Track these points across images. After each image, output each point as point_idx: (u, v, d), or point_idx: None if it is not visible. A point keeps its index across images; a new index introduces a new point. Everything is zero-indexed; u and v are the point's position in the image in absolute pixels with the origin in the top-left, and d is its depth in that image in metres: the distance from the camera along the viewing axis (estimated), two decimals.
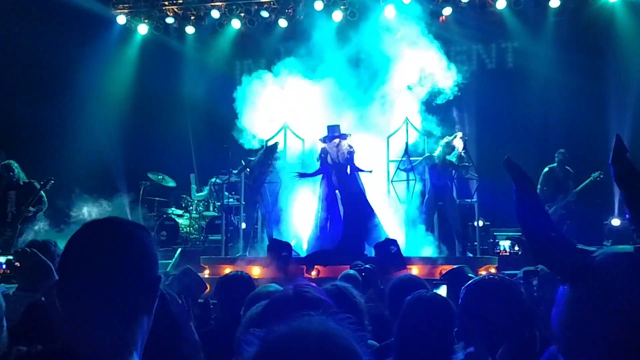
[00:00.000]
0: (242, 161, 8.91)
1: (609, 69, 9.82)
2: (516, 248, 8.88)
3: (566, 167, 9.14)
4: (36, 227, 7.48)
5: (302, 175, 8.42)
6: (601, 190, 8.97)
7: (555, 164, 9.18)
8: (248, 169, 8.75)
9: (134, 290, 1.18)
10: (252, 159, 8.76)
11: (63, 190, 8.28)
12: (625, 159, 1.05)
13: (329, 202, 8.22)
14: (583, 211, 9.08)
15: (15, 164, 7.63)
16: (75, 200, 8.14)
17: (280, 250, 7.39)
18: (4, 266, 5.16)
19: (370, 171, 8.24)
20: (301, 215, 8.74)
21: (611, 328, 0.89)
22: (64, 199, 8.21)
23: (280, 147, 8.77)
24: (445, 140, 8.30)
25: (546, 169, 9.19)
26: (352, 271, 4.34)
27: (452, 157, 8.29)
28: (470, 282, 1.90)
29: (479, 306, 1.76)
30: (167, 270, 7.61)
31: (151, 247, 1.24)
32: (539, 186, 9.26)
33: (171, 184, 10.89)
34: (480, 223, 8.85)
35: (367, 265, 5.02)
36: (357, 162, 8.25)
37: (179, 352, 1.72)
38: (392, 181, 8.62)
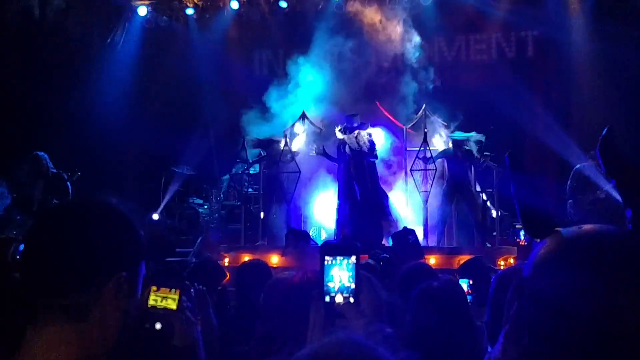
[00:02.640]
0: (261, 152, 8.97)
1: (635, 61, 9.57)
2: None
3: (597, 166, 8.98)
4: None
5: (325, 154, 8.43)
6: None
7: (586, 163, 9.06)
8: (265, 159, 8.82)
9: (81, 279, 1.05)
10: (269, 148, 8.81)
11: (87, 181, 8.43)
12: (614, 149, 1.03)
13: (347, 193, 8.26)
14: (612, 207, 8.92)
15: (45, 156, 7.81)
16: (98, 191, 8.28)
17: (298, 239, 7.45)
18: None
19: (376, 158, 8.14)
20: (320, 205, 8.79)
21: (568, 299, 0.84)
22: (87, 191, 8.38)
23: (296, 136, 8.81)
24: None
25: (577, 167, 9.08)
26: (370, 261, 4.38)
27: (473, 149, 8.26)
28: (502, 271, 1.91)
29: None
30: (188, 258, 7.73)
31: (117, 237, 1.10)
32: (569, 182, 9.16)
33: (191, 172, 10.99)
34: (499, 213, 8.80)
35: (385, 255, 5.04)
36: (377, 151, 8.22)
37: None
38: (411, 170, 8.62)
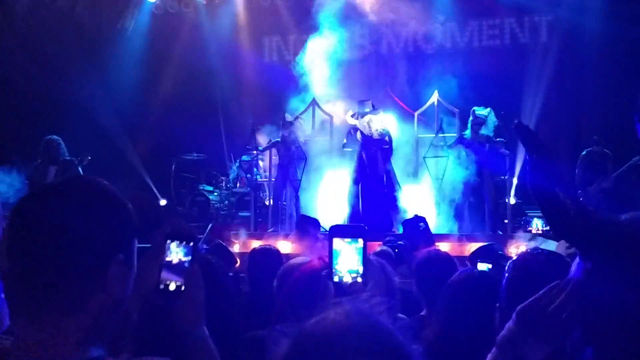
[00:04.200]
0: (270, 139, 8.95)
1: None
2: (548, 227, 8.72)
3: (605, 150, 8.85)
4: None
5: (350, 144, 8.42)
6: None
7: (591, 148, 8.95)
8: (275, 146, 8.80)
9: (78, 267, 0.99)
10: (279, 136, 8.78)
11: (97, 167, 8.46)
12: None
13: (359, 179, 8.23)
14: (620, 195, 8.82)
15: (59, 140, 7.79)
16: (109, 177, 8.32)
17: (309, 226, 7.43)
18: None
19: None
20: (331, 192, 8.78)
21: (627, 307, 0.81)
22: (98, 175, 8.40)
23: (300, 121, 8.77)
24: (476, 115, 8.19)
25: (583, 153, 8.97)
26: (385, 247, 4.36)
27: (489, 132, 8.18)
28: (518, 256, 1.88)
29: (528, 281, 1.73)
30: (199, 244, 7.75)
31: (111, 217, 1.04)
32: (577, 170, 9.06)
33: (202, 157, 10.98)
34: (513, 200, 8.73)
35: (400, 242, 5.03)
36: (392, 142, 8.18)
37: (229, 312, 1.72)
38: (424, 157, 8.57)
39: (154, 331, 1.47)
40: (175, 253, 1.22)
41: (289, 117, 8.75)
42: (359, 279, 1.14)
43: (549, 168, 0.95)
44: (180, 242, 1.23)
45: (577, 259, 0.91)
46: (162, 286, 1.21)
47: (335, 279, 1.14)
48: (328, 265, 1.16)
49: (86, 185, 1.08)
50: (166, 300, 1.21)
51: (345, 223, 8.06)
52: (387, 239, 5.24)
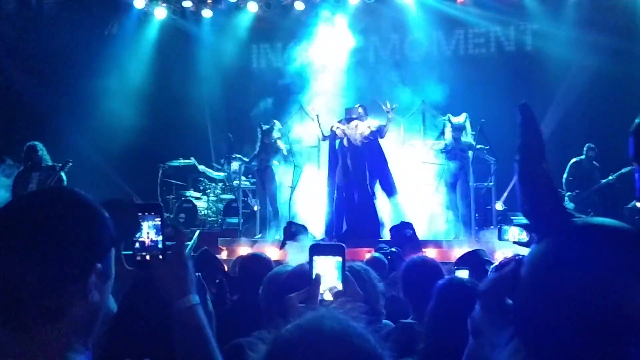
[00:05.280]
0: (257, 147, 8.95)
1: (634, 51, 9.56)
2: (524, 235, 8.75)
3: (593, 162, 9.08)
4: None
5: (324, 137, 8.41)
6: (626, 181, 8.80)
7: (583, 157, 9.12)
8: (260, 154, 8.82)
9: (57, 278, 0.99)
10: (259, 143, 8.80)
11: (82, 173, 8.40)
12: None
13: (343, 186, 8.23)
14: (606, 202, 8.98)
15: (41, 146, 7.72)
16: (93, 183, 8.27)
17: (295, 233, 7.44)
18: None
19: (391, 108, 8.04)
20: (317, 198, 8.79)
21: (568, 298, 0.82)
22: (82, 182, 8.34)
23: (278, 127, 8.79)
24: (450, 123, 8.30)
25: (574, 160, 9.15)
26: (377, 254, 4.39)
27: (468, 138, 8.28)
28: (502, 261, 1.90)
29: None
30: (187, 251, 7.71)
31: (89, 228, 1.04)
32: (565, 175, 9.23)
33: (190, 163, 10.94)
34: (499, 207, 8.81)
35: (393, 249, 5.06)
36: (382, 136, 8.18)
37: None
38: (423, 163, 8.65)
39: (138, 308, 1.51)
40: (149, 228, 1.29)
41: (265, 126, 8.78)
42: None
43: (538, 153, 0.98)
44: (150, 214, 1.29)
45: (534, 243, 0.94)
46: (138, 258, 1.28)
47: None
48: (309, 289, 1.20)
49: (62, 196, 1.08)
50: (145, 270, 1.27)
51: (329, 229, 8.09)
52: (379, 245, 5.27)
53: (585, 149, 9.12)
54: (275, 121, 8.88)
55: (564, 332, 0.83)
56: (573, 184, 9.13)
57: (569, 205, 9.18)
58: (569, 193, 9.19)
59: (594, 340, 0.82)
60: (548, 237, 0.91)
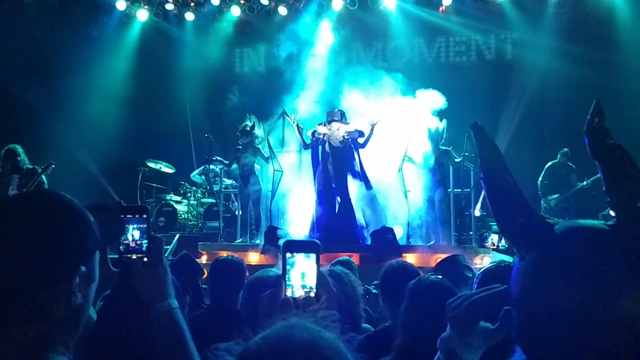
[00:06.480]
0: (237, 149, 8.91)
1: (611, 61, 9.77)
2: (503, 242, 8.87)
3: (568, 163, 9.24)
4: None
5: (306, 145, 8.41)
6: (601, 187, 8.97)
7: (557, 161, 9.30)
8: (237, 157, 8.78)
9: (41, 281, 1.00)
10: (240, 146, 8.75)
11: (63, 175, 8.30)
12: (602, 128, 1.01)
13: (325, 190, 8.25)
14: (580, 206, 9.14)
15: (20, 148, 7.62)
16: (73, 185, 8.17)
17: (277, 237, 7.44)
18: None
19: (375, 123, 8.07)
20: (300, 202, 8.79)
21: (565, 307, 0.84)
22: (63, 184, 8.24)
23: (254, 129, 8.74)
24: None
25: (549, 164, 9.33)
26: (345, 258, 4.36)
27: (447, 144, 8.37)
28: (486, 267, 1.94)
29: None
30: (166, 255, 7.65)
31: (73, 231, 1.05)
32: (540, 179, 9.40)
33: (170, 169, 10.91)
34: (478, 213, 8.89)
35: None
36: (363, 139, 8.20)
37: None
38: (399, 171, 8.67)
39: (118, 309, 1.51)
40: (134, 230, 1.31)
41: (247, 125, 8.69)
42: (312, 294, 1.16)
43: (499, 166, 1.00)
44: (135, 216, 1.31)
45: (516, 262, 0.96)
46: (123, 259, 1.31)
47: (288, 293, 1.17)
48: (279, 282, 1.18)
49: (47, 200, 1.08)
50: (129, 273, 1.29)
51: (311, 234, 8.09)
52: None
53: (559, 154, 9.29)
54: (253, 120, 8.75)
55: (570, 341, 0.84)
56: (549, 187, 9.33)
57: (545, 209, 9.36)
58: (545, 197, 9.37)
59: (602, 345, 0.83)
60: (532, 252, 0.92)
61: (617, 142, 1.01)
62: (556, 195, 9.38)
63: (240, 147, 8.68)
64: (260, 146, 8.67)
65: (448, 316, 1.11)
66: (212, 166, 9.51)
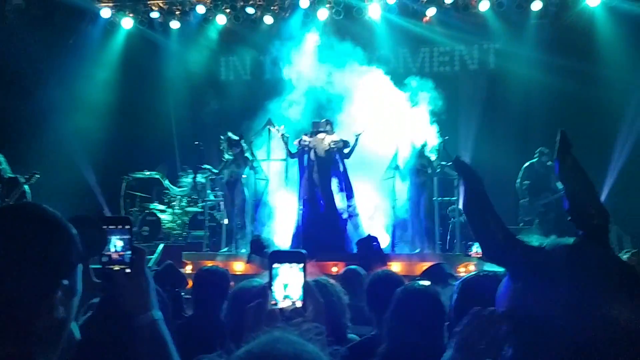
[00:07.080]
0: (222, 158, 8.90)
1: (591, 72, 9.94)
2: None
3: (548, 163, 9.29)
4: None
5: (292, 155, 8.42)
6: None
7: (535, 160, 9.40)
8: (229, 166, 8.77)
9: (22, 295, 0.99)
10: (228, 155, 8.74)
11: (47, 185, 8.22)
12: (570, 155, 1.07)
13: (309, 199, 8.26)
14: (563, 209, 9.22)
15: (2, 157, 7.52)
16: (56, 194, 8.08)
17: (262, 246, 7.42)
18: None
19: (359, 134, 8.14)
20: (284, 212, 8.79)
21: (554, 321, 0.90)
22: (47, 194, 8.15)
23: (242, 139, 8.75)
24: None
25: (526, 164, 9.45)
26: (355, 267, 4.36)
27: (434, 152, 8.43)
28: (466, 276, 1.96)
29: (475, 301, 1.80)
30: (150, 265, 7.60)
31: (55, 244, 1.04)
32: (518, 180, 9.50)
33: (156, 175, 10.80)
34: (463, 221, 8.95)
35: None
36: (348, 149, 8.25)
37: None
38: (382, 180, 8.71)
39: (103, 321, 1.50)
40: (117, 241, 1.30)
41: (234, 137, 8.70)
42: (299, 304, 1.15)
43: (482, 199, 1.04)
44: (118, 227, 1.30)
45: (505, 279, 0.99)
46: (106, 269, 1.29)
47: (274, 304, 1.15)
48: (265, 292, 1.17)
49: (29, 213, 1.07)
50: (111, 284, 1.28)
51: (293, 243, 8.09)
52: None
53: (537, 152, 9.36)
54: (239, 133, 8.79)
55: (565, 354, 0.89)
56: (528, 187, 9.36)
57: (524, 212, 9.44)
58: (532, 197, 9.40)
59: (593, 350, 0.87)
60: (520, 276, 0.97)
61: (577, 162, 1.08)
62: (526, 199, 9.43)
63: (231, 157, 8.66)
64: (248, 154, 8.67)
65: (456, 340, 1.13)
66: (198, 174, 9.49)
